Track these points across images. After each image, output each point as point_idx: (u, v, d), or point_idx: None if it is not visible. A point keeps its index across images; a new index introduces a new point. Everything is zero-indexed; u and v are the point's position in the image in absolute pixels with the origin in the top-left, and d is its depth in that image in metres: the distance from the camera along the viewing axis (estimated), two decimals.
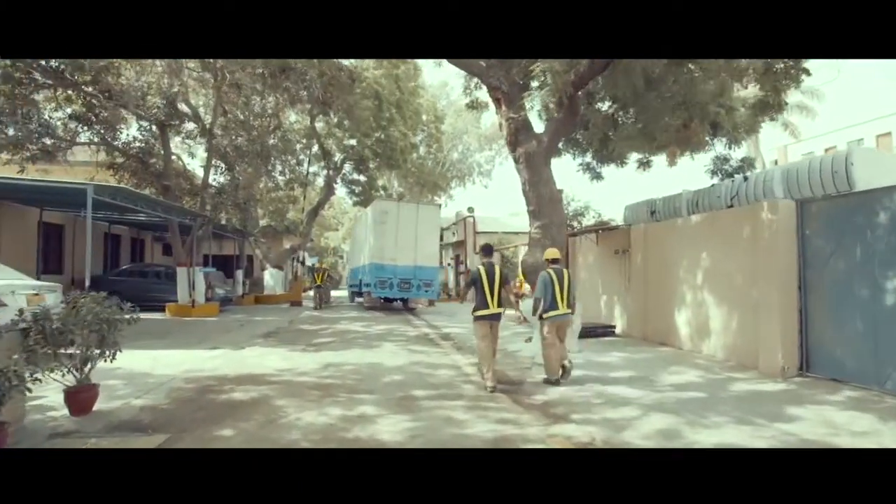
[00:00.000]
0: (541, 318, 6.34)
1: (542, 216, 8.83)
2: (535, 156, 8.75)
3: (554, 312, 6.20)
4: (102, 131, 14.43)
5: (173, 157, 16.92)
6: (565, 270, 6.38)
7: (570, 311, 6.29)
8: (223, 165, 16.10)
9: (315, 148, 25.69)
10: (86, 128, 14.34)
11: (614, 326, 10.60)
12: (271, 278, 22.82)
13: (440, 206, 20.46)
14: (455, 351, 9.18)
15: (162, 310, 15.10)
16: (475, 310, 6.09)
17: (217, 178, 16.43)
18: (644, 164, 12.26)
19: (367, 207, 20.30)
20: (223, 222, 15.60)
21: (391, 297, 17.50)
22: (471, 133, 32.96)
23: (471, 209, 24.10)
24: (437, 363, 7.87)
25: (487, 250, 6.56)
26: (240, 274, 21.67)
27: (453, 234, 28.37)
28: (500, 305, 6.08)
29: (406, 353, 8.74)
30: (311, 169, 26.93)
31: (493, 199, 78.58)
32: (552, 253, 6.69)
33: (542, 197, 8.79)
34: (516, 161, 9.02)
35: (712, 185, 10.64)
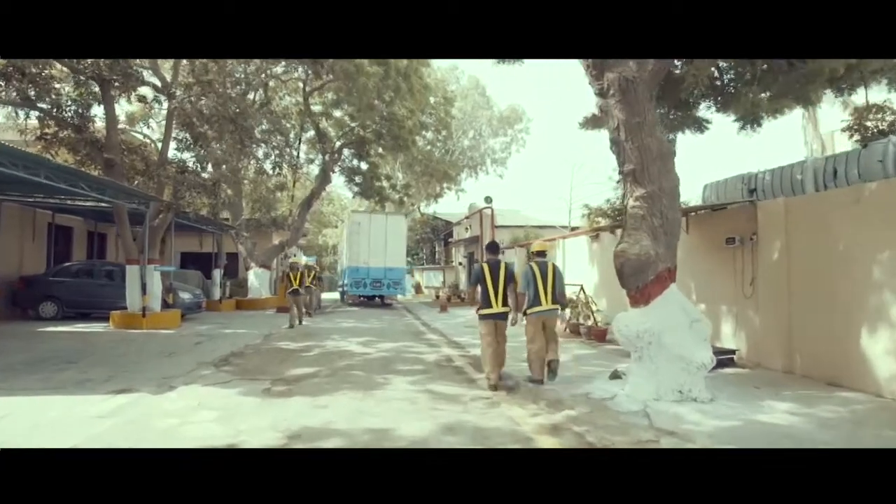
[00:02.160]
0: (525, 314, 6.03)
1: (647, 180, 5.49)
2: (634, 85, 5.45)
3: (537, 308, 5.94)
4: (32, 92, 11.16)
5: (125, 129, 13.64)
6: (551, 264, 6.12)
7: (555, 306, 6.02)
8: (189, 138, 12.80)
9: (310, 132, 22.47)
10: (6, 83, 11.06)
11: (734, 351, 7.23)
12: (256, 279, 19.51)
13: (406, 216, 24.29)
14: (505, 394, 5.83)
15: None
16: (479, 308, 6.05)
17: (181, 155, 13.10)
18: (751, 123, 8.88)
19: (346, 218, 23.85)
20: (186, 209, 12.27)
21: (366, 295, 20.57)
22: (482, 118, 29.62)
23: (488, 199, 20.79)
24: (488, 428, 4.52)
25: (493, 248, 6.42)
26: (217, 274, 18.40)
27: (466, 228, 25.03)
28: (505, 304, 5.95)
29: (429, 403, 5.40)
30: (306, 154, 23.68)
31: (510, 191, 73.65)
32: (539, 246, 6.52)
33: (646, 150, 5.47)
34: (602, 94, 5.69)
35: (864, 147, 7.37)
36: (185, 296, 13.84)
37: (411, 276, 32.11)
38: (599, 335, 9.58)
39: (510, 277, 5.99)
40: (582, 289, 11.29)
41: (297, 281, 12.43)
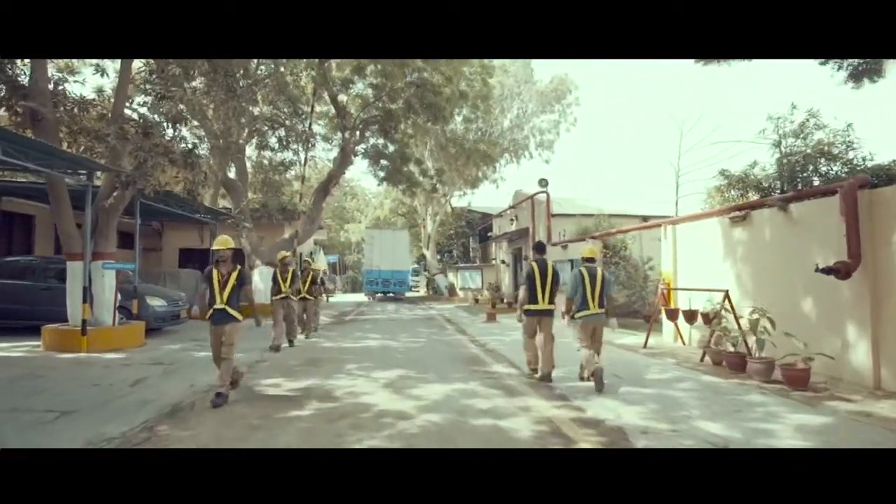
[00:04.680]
0: (573, 318, 6.11)
1: None
2: None
3: (585, 312, 5.99)
4: None
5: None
6: (599, 269, 6.15)
7: (602, 311, 6.02)
8: (157, 91, 9.30)
9: (329, 109, 19.04)
10: None
11: None
12: (262, 280, 16.03)
13: (409, 230, 30.25)
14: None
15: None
16: (525, 304, 6.27)
17: (148, 113, 9.58)
18: None
19: (365, 234, 29.46)
20: (144, 186, 8.70)
21: (379, 291, 25.86)
22: (525, 93, 25.60)
23: (543, 182, 16.89)
24: None
25: (540, 248, 6.66)
26: None
27: (512, 220, 21.13)
28: (551, 302, 6.21)
29: None
30: (323, 133, 20.20)
31: (558, 178, 67.06)
32: (589, 252, 6.29)
33: None
34: None
35: None
36: (157, 303, 10.38)
37: (444, 276, 28.50)
38: (796, 378, 5.62)
39: (557, 277, 6.31)
40: (727, 297, 7.32)
41: (226, 293, 5.32)
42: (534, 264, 6.31)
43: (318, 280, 11.53)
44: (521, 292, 6.40)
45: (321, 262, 30.05)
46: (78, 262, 8.66)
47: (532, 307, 6.23)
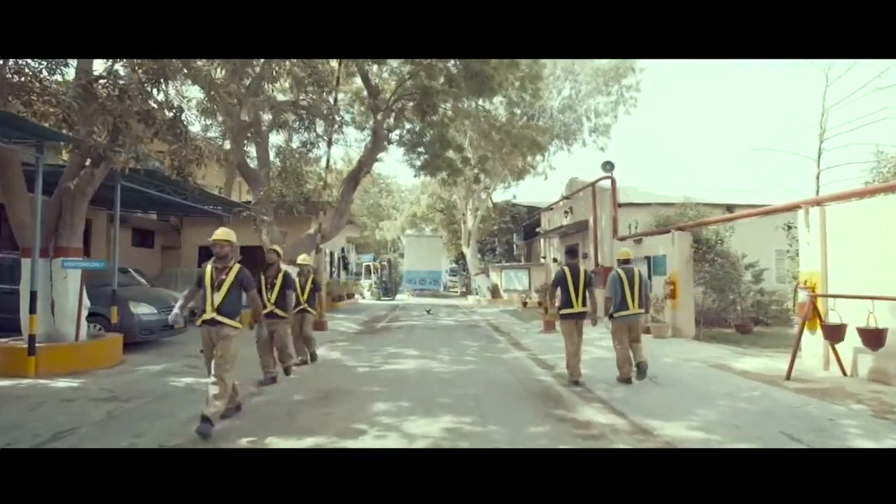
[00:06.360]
0: (611, 317, 6.34)
1: None
2: None
3: (624, 312, 6.25)
4: None
5: None
6: (636, 270, 6.46)
7: (641, 310, 6.32)
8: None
9: (360, 90, 17.07)
10: None
11: None
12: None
13: (447, 228, 32.96)
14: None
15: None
16: (561, 308, 6.38)
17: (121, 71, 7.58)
18: None
19: (405, 240, 35.21)
20: (116, 164, 6.63)
21: (417, 289, 31.66)
22: (580, 72, 22.85)
23: (608, 166, 14.27)
24: None
25: (572, 253, 7.12)
26: None
27: (566, 213, 18.50)
28: (584, 305, 6.27)
29: None
30: (352, 118, 18.19)
31: (616, 167, 60.58)
32: (624, 254, 6.68)
33: None
34: None
35: None
36: (143, 310, 8.38)
37: (486, 276, 26.06)
38: None
39: (589, 281, 6.34)
40: None
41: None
42: (566, 269, 6.42)
43: (308, 282, 7.67)
44: (555, 295, 6.56)
45: (362, 257, 27.80)
46: (31, 259, 6.75)
47: (568, 311, 6.31)
